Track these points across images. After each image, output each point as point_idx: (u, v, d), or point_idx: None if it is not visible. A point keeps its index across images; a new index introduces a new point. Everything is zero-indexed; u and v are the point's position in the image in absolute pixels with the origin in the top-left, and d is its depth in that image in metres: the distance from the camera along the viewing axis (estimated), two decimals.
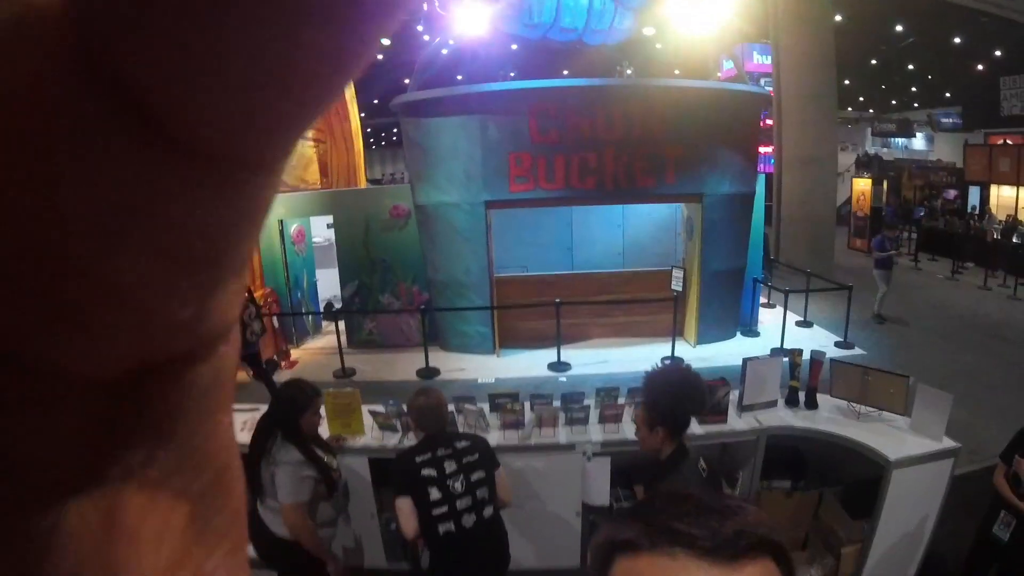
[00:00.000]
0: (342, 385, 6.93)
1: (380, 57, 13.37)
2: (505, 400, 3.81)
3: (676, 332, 7.70)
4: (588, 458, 3.58)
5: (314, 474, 2.91)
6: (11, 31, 0.12)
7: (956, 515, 3.45)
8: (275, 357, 7.98)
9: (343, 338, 7.91)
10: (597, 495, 3.55)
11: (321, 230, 10.07)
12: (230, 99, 0.13)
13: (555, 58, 16.91)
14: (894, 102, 23.61)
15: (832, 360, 3.91)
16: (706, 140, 7.37)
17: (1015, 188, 14.26)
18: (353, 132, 12.37)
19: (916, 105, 22.21)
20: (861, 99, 22.28)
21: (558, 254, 8.95)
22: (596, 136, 7.20)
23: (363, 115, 13.74)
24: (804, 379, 3.88)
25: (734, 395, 3.79)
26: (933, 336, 8.67)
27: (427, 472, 2.73)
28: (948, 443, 3.34)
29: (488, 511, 2.84)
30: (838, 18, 13.11)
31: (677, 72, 16.33)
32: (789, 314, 8.40)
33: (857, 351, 7.96)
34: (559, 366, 7.46)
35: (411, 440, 3.60)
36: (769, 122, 12.73)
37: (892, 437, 3.43)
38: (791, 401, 3.85)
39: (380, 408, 3.77)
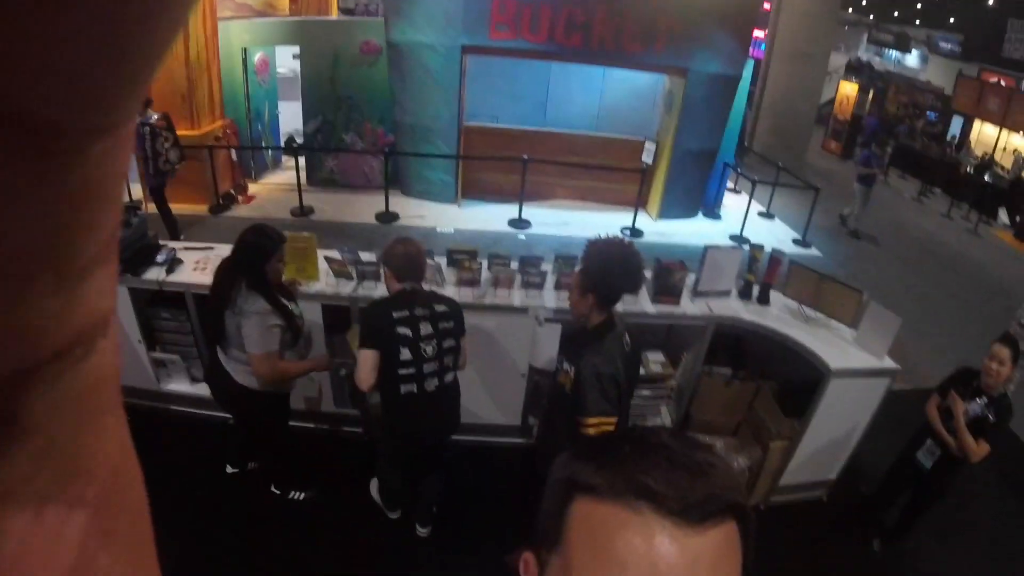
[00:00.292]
0: (299, 224, 6.83)
1: None
2: (463, 257, 3.75)
3: (640, 204, 7.67)
4: (540, 323, 3.56)
5: (281, 323, 2.84)
6: None
7: (881, 430, 3.61)
8: (232, 191, 7.76)
9: (303, 175, 7.68)
10: (544, 360, 3.57)
11: (287, 60, 9.52)
12: (29, 50, 0.12)
13: None
14: (896, 13, 22.84)
15: (791, 262, 3.91)
16: (702, 15, 7.04)
17: (998, 128, 14.18)
18: None
19: (918, 22, 21.58)
20: (864, 2, 21.50)
21: (531, 109, 8.65)
22: None
23: None
24: (760, 274, 3.89)
25: (690, 279, 3.80)
26: (889, 255, 8.81)
27: (402, 330, 2.65)
28: (889, 363, 3.40)
29: (450, 377, 2.83)
30: None
31: None
32: (753, 203, 8.43)
33: (814, 251, 8.10)
34: (519, 223, 7.45)
35: (368, 289, 3.59)
36: (767, 7, 12.21)
37: (836, 346, 3.49)
38: (744, 294, 3.88)
39: (336, 255, 3.68)
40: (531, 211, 7.66)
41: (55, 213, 0.14)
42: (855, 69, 18.68)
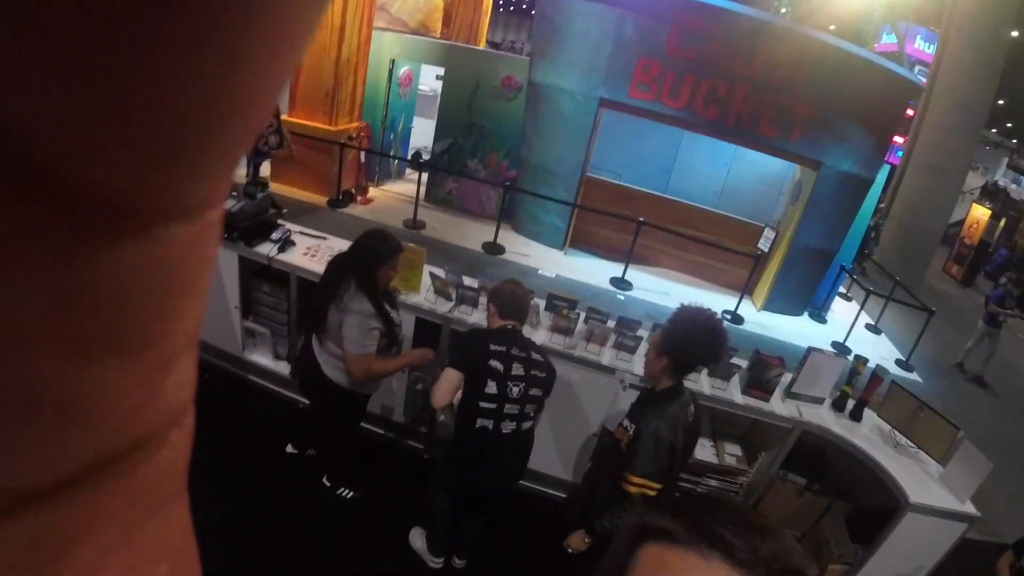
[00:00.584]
0: (409, 236, 7.01)
1: None
2: (563, 304, 3.76)
3: (747, 291, 7.48)
4: (624, 387, 3.55)
5: (381, 327, 2.91)
6: None
7: None
8: (352, 190, 8.07)
9: (422, 190, 7.88)
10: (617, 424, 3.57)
11: (430, 79, 9.90)
12: (125, 134, 0.11)
13: None
14: None
15: (893, 382, 3.74)
16: (843, 110, 6.83)
17: None
18: None
19: None
20: (1009, 124, 20.57)
21: (655, 173, 8.60)
22: (733, 68, 6.73)
23: None
24: (859, 388, 3.75)
25: (786, 377, 3.70)
26: (993, 393, 8.23)
27: (494, 363, 2.67)
28: (970, 508, 3.23)
29: (527, 425, 2.82)
30: (1015, 34, 11.81)
31: (832, 28, 15.11)
32: (862, 314, 8.07)
33: (915, 377, 7.61)
34: (621, 283, 7.37)
35: (463, 313, 3.65)
36: (910, 113, 11.82)
37: (920, 480, 3.33)
38: (838, 405, 3.73)
39: (441, 273, 3.76)
40: (635, 274, 7.56)
41: (128, 298, 0.13)
42: (990, 194, 17.77)
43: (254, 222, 3.84)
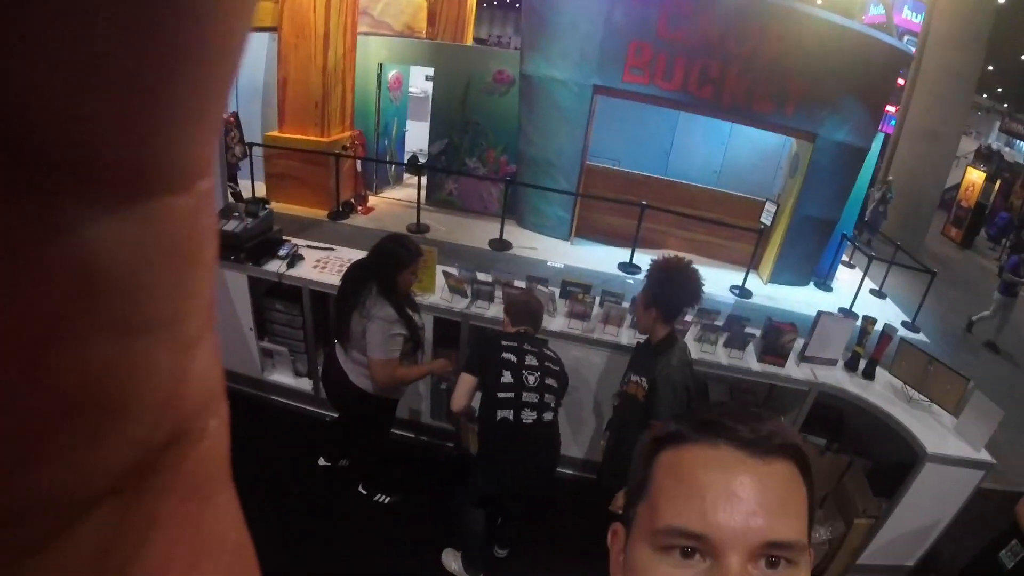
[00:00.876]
0: (415, 240, 7.00)
1: None
2: (577, 290, 3.80)
3: (752, 265, 7.52)
4: None
5: (404, 332, 2.90)
6: None
7: (964, 525, 3.46)
8: (352, 200, 8.07)
9: (422, 193, 7.88)
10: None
11: (419, 81, 9.87)
12: (113, 99, 0.11)
13: None
14: None
15: (902, 339, 3.82)
16: (836, 82, 6.89)
17: None
18: None
19: None
20: (1000, 89, 20.62)
21: (654, 156, 8.65)
22: (725, 47, 6.78)
23: None
24: (869, 348, 3.82)
25: (799, 343, 3.78)
26: (1002, 352, 8.29)
27: (507, 356, 2.73)
28: (985, 456, 3.29)
29: (548, 416, 2.80)
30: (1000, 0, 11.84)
31: (820, 1, 15.18)
32: (866, 280, 8.12)
33: (922, 336, 7.67)
34: (629, 267, 7.41)
35: (480, 308, 3.68)
36: (901, 82, 11.86)
37: (935, 431, 3.39)
38: (851, 365, 3.80)
39: (454, 271, 3.78)
40: (642, 257, 7.58)
41: (142, 276, 0.13)
42: (984, 157, 17.83)
43: (259, 240, 3.80)
